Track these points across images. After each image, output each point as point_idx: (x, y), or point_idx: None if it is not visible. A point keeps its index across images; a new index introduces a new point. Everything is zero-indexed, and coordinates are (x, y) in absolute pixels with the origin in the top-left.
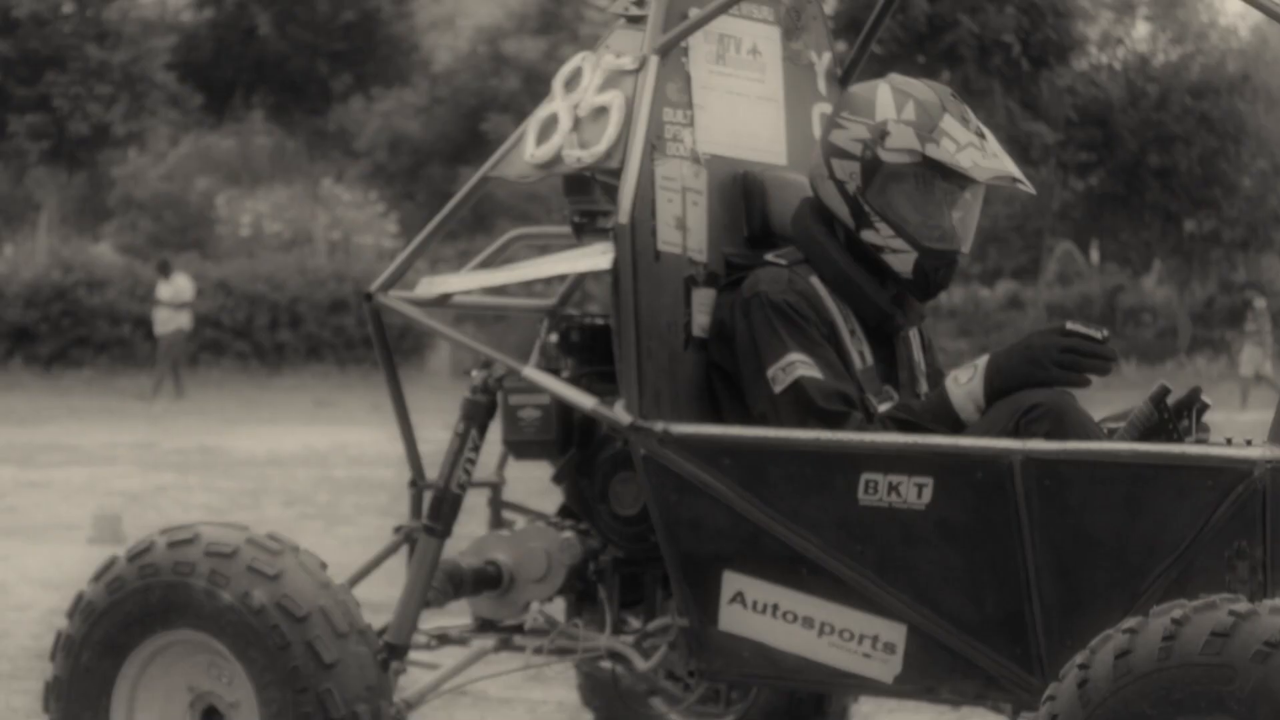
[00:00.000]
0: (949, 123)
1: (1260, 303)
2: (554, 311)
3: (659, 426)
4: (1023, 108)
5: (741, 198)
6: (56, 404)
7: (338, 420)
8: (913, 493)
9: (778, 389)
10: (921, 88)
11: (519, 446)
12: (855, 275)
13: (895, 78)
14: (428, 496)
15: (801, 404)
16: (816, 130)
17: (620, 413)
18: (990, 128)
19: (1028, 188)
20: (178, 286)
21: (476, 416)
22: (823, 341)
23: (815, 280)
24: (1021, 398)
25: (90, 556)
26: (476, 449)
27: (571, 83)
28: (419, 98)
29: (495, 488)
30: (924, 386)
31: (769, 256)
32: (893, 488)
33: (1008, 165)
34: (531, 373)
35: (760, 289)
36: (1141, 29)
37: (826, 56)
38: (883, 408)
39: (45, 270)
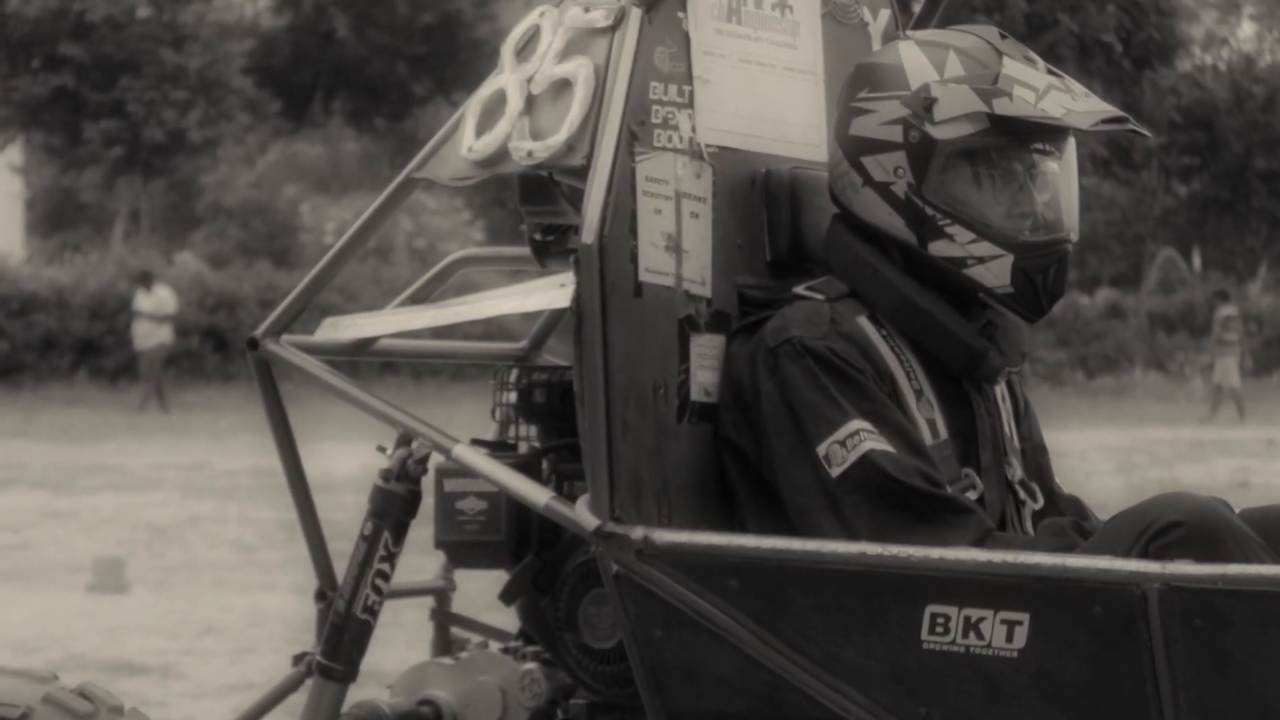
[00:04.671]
0: (1012, 66)
1: (1227, 310)
2: (520, 361)
3: (638, 533)
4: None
5: (762, 207)
6: (117, 420)
7: None
8: (1000, 634)
9: (836, 470)
10: (957, 34)
11: (457, 549)
12: (928, 305)
13: (917, 33)
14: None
15: (875, 489)
16: None
17: (584, 513)
18: None
19: (1140, 130)
20: (159, 298)
21: (391, 513)
22: (889, 402)
23: (864, 321)
24: (1152, 510)
25: (84, 608)
26: (391, 559)
27: (525, 49)
28: None
29: (440, 595)
30: (1017, 471)
31: (800, 289)
32: (971, 625)
33: (1106, 104)
34: (464, 453)
35: (792, 333)
36: (1247, 28)
37: (884, 15)
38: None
39: (112, 281)
